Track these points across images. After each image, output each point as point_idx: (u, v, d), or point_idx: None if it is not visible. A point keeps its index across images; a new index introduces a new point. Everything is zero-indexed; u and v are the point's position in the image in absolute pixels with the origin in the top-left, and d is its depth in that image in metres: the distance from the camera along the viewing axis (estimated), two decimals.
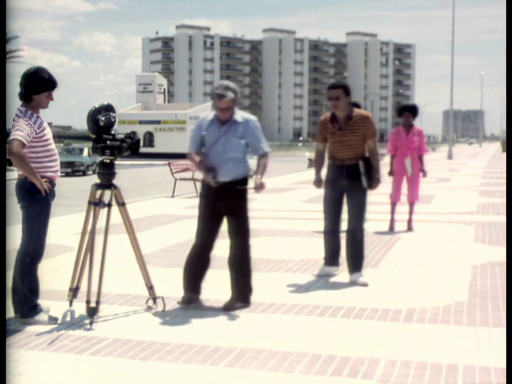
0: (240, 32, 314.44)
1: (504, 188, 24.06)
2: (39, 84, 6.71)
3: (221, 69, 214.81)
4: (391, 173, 13.26)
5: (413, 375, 5.37)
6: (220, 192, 7.35)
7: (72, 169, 42.59)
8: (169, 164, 22.99)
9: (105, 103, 7.15)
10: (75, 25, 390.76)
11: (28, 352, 5.88)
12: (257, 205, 18.52)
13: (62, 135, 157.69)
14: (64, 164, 42.89)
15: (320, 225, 13.63)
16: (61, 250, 10.90)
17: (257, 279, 8.74)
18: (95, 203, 7.15)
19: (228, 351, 5.90)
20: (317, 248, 11.10)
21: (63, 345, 6.09)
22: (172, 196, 20.91)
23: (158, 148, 63.09)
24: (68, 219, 15.66)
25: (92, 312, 6.83)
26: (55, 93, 6.87)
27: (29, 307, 6.82)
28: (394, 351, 5.92)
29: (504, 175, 33.14)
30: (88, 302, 6.86)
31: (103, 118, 7.03)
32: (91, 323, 6.72)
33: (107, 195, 7.19)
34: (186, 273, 7.63)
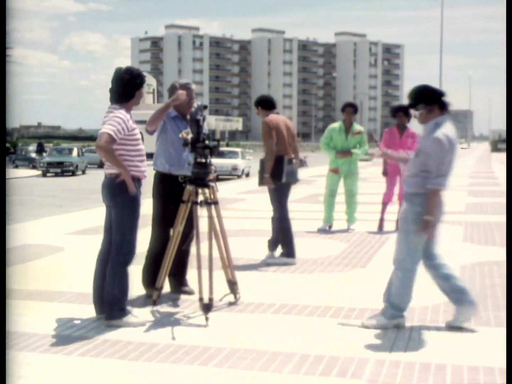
0: (229, 32, 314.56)
1: (493, 188, 24.20)
2: (134, 82, 6.78)
3: (210, 69, 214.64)
4: (384, 173, 13.27)
5: (401, 374, 5.38)
6: (180, 187, 7.58)
7: (62, 169, 42.57)
8: None
9: (199, 103, 7.32)
10: (66, 25, 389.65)
11: (28, 354, 5.86)
12: (247, 205, 18.54)
13: (52, 135, 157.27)
14: (53, 164, 42.94)
15: (312, 224, 13.70)
16: (50, 250, 10.88)
17: (247, 279, 8.76)
18: (195, 202, 7.17)
19: (217, 351, 5.91)
20: (308, 248, 11.12)
21: (62, 347, 6.07)
22: None
23: (148, 148, 62.64)
24: (57, 219, 15.65)
25: (206, 308, 6.88)
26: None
27: (118, 308, 6.74)
28: (383, 351, 5.93)
29: (493, 175, 33.29)
30: (201, 299, 6.91)
31: (202, 118, 7.11)
32: (206, 319, 6.79)
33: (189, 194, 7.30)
34: (151, 272, 7.73)
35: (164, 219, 7.74)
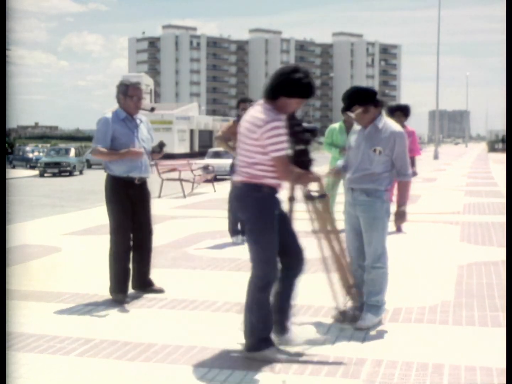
0: (226, 32, 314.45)
1: (491, 188, 24.17)
2: (293, 87, 5.71)
3: (207, 70, 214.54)
4: None
5: (399, 374, 5.38)
6: (136, 189, 7.82)
7: (59, 169, 42.55)
8: (155, 164, 22.95)
9: None
10: (65, 25, 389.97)
11: (26, 355, 5.85)
12: None
13: (49, 136, 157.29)
14: (51, 165, 42.93)
15: (307, 224, 13.65)
16: (47, 251, 10.88)
17: (244, 279, 8.75)
18: (307, 196, 6.20)
19: (214, 352, 5.90)
20: (305, 248, 11.11)
21: (60, 348, 6.06)
22: (159, 197, 20.88)
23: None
24: (54, 219, 15.64)
25: (353, 318, 6.53)
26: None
27: (258, 339, 5.77)
28: (380, 351, 5.93)
29: (490, 175, 33.27)
30: (339, 309, 6.59)
31: None
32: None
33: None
34: (119, 278, 7.77)
35: (125, 223, 7.71)
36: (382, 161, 6.67)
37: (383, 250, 6.81)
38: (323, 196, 6.31)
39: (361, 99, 6.65)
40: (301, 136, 5.93)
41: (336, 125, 13.21)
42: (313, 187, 6.19)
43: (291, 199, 6.15)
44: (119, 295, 7.66)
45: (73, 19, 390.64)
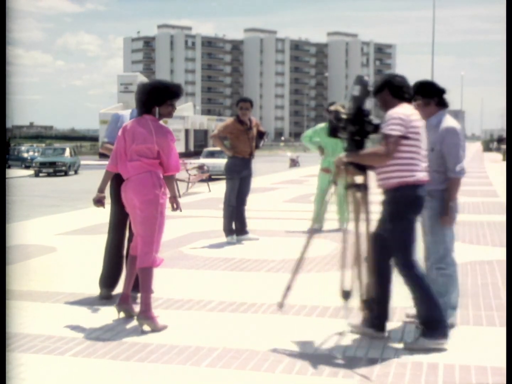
0: (221, 32, 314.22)
1: (486, 188, 24.14)
2: None
3: (202, 69, 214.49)
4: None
5: (393, 374, 5.38)
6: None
7: (54, 169, 42.54)
8: None
9: (363, 76, 6.56)
10: (61, 25, 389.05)
11: (21, 355, 5.85)
12: None
13: (44, 135, 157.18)
14: (46, 164, 42.90)
15: (304, 224, 13.69)
16: (42, 251, 10.87)
17: (239, 279, 8.76)
18: (355, 186, 6.48)
19: (209, 351, 5.91)
20: (300, 248, 11.12)
21: (55, 348, 6.06)
22: None
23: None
24: (49, 219, 15.62)
25: (346, 295, 6.31)
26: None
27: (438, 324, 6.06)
28: (374, 350, 5.94)
29: (485, 174, 33.31)
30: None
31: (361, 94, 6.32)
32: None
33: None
34: (112, 274, 7.78)
35: (120, 219, 7.64)
36: (434, 159, 6.48)
37: (445, 251, 6.69)
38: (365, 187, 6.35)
39: (425, 92, 6.54)
40: (367, 127, 6.11)
41: (323, 125, 13.27)
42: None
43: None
44: (103, 290, 7.70)
45: (70, 19, 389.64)
